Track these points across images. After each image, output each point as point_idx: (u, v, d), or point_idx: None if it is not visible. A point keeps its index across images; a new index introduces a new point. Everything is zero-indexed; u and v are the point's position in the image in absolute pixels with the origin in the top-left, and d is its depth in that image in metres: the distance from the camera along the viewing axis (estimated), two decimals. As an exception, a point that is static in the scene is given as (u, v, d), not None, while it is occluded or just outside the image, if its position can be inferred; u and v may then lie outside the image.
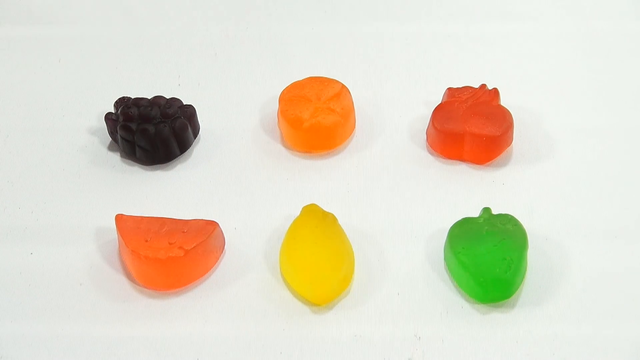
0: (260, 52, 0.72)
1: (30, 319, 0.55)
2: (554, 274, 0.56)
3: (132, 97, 0.64)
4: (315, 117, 0.62)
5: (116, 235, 0.57)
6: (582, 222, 0.59)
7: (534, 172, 0.62)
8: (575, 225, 0.59)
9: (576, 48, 0.71)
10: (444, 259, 0.56)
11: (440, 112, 0.62)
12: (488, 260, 0.54)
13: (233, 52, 0.72)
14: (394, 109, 0.67)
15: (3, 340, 0.54)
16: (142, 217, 0.57)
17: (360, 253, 0.57)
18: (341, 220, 0.57)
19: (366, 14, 0.75)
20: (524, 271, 0.55)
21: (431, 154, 0.63)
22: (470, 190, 0.61)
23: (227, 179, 0.62)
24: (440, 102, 0.64)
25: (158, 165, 0.63)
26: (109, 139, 0.64)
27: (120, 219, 0.57)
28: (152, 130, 0.61)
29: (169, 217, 0.57)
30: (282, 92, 0.65)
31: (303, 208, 0.58)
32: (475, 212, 0.58)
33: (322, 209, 0.57)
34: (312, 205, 0.58)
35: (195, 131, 0.64)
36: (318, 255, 0.54)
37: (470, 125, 0.61)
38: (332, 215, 0.57)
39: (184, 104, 0.64)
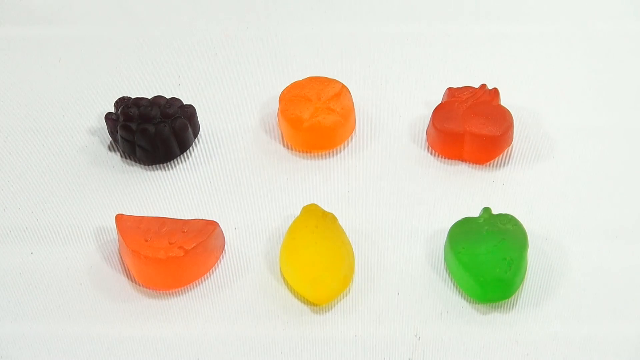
0: (260, 52, 0.72)
1: (30, 319, 0.55)
2: (554, 274, 0.56)
3: (132, 97, 0.64)
4: (315, 117, 0.62)
5: (116, 235, 0.57)
6: (582, 222, 0.59)
7: (534, 172, 0.62)
8: (575, 225, 0.59)
9: (576, 48, 0.71)
10: (444, 259, 0.56)
11: (440, 112, 0.62)
12: (488, 260, 0.54)
13: (233, 52, 0.72)
14: (394, 109, 0.67)
15: (3, 340, 0.54)
16: (142, 217, 0.57)
17: (360, 253, 0.57)
18: (341, 220, 0.57)
19: (366, 14, 0.75)
20: (524, 271, 0.55)
21: (431, 154, 0.63)
22: (470, 190, 0.61)
23: (227, 179, 0.62)
24: (440, 102, 0.64)
25: (158, 165, 0.63)
26: (109, 139, 0.64)
27: (120, 218, 0.57)
28: (152, 130, 0.61)
29: (169, 217, 0.57)
30: (282, 92, 0.65)
31: (303, 208, 0.58)
32: (475, 212, 0.58)
33: (322, 209, 0.57)
34: (312, 205, 0.58)
35: (195, 131, 0.64)
36: (318, 255, 0.54)
37: (470, 125, 0.61)
38: (332, 215, 0.57)
39: (184, 104, 0.64)
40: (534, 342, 0.53)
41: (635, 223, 0.59)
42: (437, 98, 0.65)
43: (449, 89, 0.64)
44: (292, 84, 0.65)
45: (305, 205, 0.58)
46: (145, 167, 0.63)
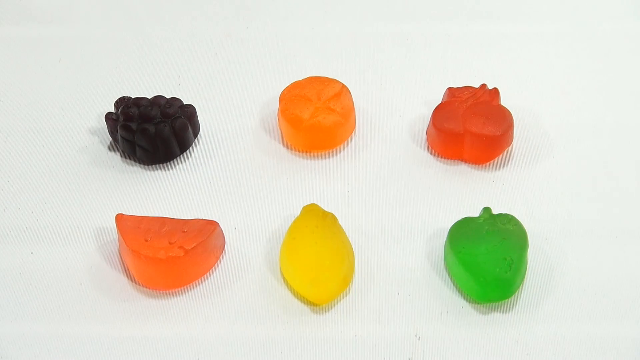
0: (260, 52, 0.72)
1: (30, 319, 0.55)
2: (554, 274, 0.56)
3: (132, 97, 0.64)
4: (315, 117, 0.62)
5: (116, 235, 0.57)
6: (582, 222, 0.59)
7: (534, 172, 0.62)
8: (575, 225, 0.59)
9: (576, 48, 0.71)
10: (444, 258, 0.56)
11: (440, 112, 0.62)
12: (488, 260, 0.54)
13: (233, 52, 0.72)
14: (394, 109, 0.67)
15: (3, 340, 0.54)
16: (142, 217, 0.57)
17: (360, 253, 0.57)
18: (341, 220, 0.57)
19: (366, 14, 0.75)
20: (524, 271, 0.55)
21: (431, 154, 0.63)
22: (470, 190, 0.61)
23: (227, 179, 0.62)
24: (440, 102, 0.64)
25: (158, 165, 0.63)
26: (109, 138, 0.64)
27: (120, 218, 0.57)
28: (152, 130, 0.61)
29: (169, 216, 0.57)
30: (283, 92, 0.65)
31: (303, 208, 0.58)
32: (475, 212, 0.58)
33: (322, 209, 0.57)
34: (312, 205, 0.58)
35: (196, 131, 0.64)
36: (318, 255, 0.54)
37: (470, 125, 0.61)
38: (332, 215, 0.57)
39: (184, 103, 0.64)
40: (534, 342, 0.53)
41: (635, 223, 0.59)
42: (437, 98, 0.65)
43: (449, 89, 0.64)
44: (292, 84, 0.65)
45: (305, 205, 0.58)
46: (145, 167, 0.63)
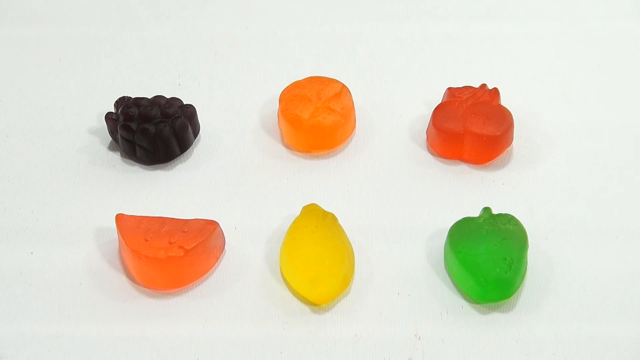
0: (260, 52, 0.72)
1: (30, 319, 0.55)
2: (554, 274, 0.56)
3: (132, 97, 0.64)
4: (315, 117, 0.62)
5: (116, 235, 0.57)
6: (582, 222, 0.59)
7: (534, 172, 0.62)
8: (575, 225, 0.59)
9: (576, 48, 0.71)
10: (444, 258, 0.56)
11: (440, 112, 0.62)
12: (488, 260, 0.54)
13: (233, 52, 0.72)
14: (394, 109, 0.67)
15: (3, 340, 0.54)
16: (142, 217, 0.57)
17: (360, 253, 0.57)
18: (341, 220, 0.57)
19: (366, 14, 0.75)
20: (524, 271, 0.55)
21: (431, 154, 0.63)
22: (470, 190, 0.61)
23: (227, 179, 0.62)
24: (440, 102, 0.64)
25: (158, 165, 0.63)
26: (109, 138, 0.64)
27: (120, 218, 0.57)
28: (152, 130, 0.61)
29: (169, 216, 0.57)
30: (283, 92, 0.65)
31: (303, 208, 0.58)
32: (475, 212, 0.58)
33: (322, 209, 0.57)
34: (312, 205, 0.58)
35: (196, 131, 0.64)
36: (318, 255, 0.54)
37: (470, 125, 0.61)
38: (332, 215, 0.57)
39: (184, 103, 0.64)
40: (534, 342, 0.53)
41: (635, 223, 0.59)
42: (437, 98, 0.65)
43: (449, 89, 0.64)
44: (292, 84, 0.65)
45: (305, 205, 0.58)
46: (145, 167, 0.63)
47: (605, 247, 0.57)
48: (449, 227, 0.56)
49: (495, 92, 0.64)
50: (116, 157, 0.64)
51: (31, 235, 0.59)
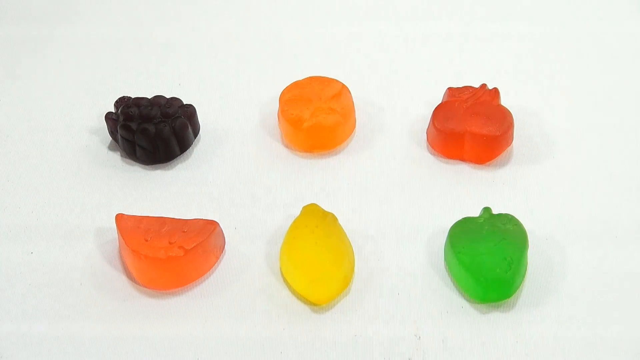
0: (260, 52, 0.72)
1: (30, 319, 0.55)
2: (554, 274, 0.56)
3: (132, 97, 0.64)
4: (315, 117, 0.62)
5: (116, 235, 0.57)
6: (582, 222, 0.59)
7: (534, 172, 0.62)
8: (575, 225, 0.59)
9: (576, 48, 0.71)
10: (444, 258, 0.56)
11: (440, 112, 0.62)
12: (488, 260, 0.54)
13: (233, 52, 0.72)
14: (394, 109, 0.67)
15: (3, 340, 0.54)
16: (142, 217, 0.57)
17: (360, 253, 0.57)
18: (341, 220, 0.57)
19: (366, 13, 0.75)
20: (524, 271, 0.55)
21: (431, 153, 0.63)
22: (470, 190, 0.61)
23: (227, 179, 0.62)
24: (440, 102, 0.64)
25: (158, 165, 0.63)
26: (109, 138, 0.64)
27: (120, 218, 0.57)
28: (152, 130, 0.61)
29: (169, 216, 0.57)
30: (283, 92, 0.65)
31: (303, 208, 0.58)
32: (475, 212, 0.58)
33: (322, 209, 0.57)
34: (312, 205, 0.58)
35: (196, 131, 0.64)
36: (318, 255, 0.54)
37: (471, 125, 0.61)
38: (332, 215, 0.57)
39: (184, 103, 0.64)
40: (534, 342, 0.53)
41: (635, 223, 0.59)
42: (437, 98, 0.65)
43: (449, 88, 0.64)
44: (292, 84, 0.65)
45: (305, 205, 0.58)
46: (145, 166, 0.63)
47: (605, 247, 0.57)
48: (449, 227, 0.56)
49: (495, 92, 0.64)
50: (116, 157, 0.64)
51: (31, 235, 0.59)
